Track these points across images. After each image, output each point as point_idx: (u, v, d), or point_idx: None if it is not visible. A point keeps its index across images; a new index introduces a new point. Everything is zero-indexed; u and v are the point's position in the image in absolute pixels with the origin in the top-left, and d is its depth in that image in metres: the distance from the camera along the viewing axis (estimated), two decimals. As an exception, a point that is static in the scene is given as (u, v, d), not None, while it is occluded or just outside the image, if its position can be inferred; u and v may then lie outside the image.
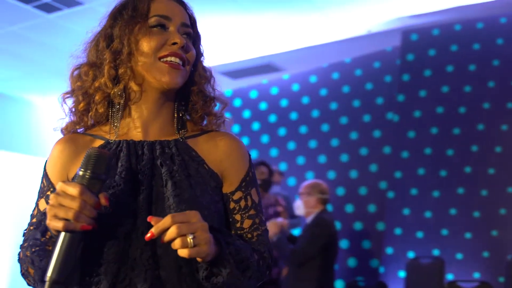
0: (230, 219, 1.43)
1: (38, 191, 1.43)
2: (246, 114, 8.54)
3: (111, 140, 1.41)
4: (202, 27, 1.54)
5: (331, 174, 7.48)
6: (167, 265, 1.30)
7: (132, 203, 1.32)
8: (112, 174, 1.32)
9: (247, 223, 1.43)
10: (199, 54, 1.50)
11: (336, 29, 6.71)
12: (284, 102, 8.20)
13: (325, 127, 7.72)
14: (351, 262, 7.11)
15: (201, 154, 1.43)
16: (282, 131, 8.10)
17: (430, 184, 6.60)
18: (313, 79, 7.99)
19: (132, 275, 1.29)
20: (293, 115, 8.06)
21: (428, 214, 6.54)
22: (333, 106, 7.72)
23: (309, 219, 4.92)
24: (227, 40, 6.97)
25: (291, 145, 7.96)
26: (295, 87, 8.13)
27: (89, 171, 1.19)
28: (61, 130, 1.49)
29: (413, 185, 6.69)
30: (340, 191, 7.36)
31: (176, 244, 1.18)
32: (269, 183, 5.15)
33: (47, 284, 1.15)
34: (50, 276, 1.15)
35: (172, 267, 1.30)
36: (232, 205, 1.43)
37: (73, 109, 1.47)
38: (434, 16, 6.65)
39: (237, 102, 8.65)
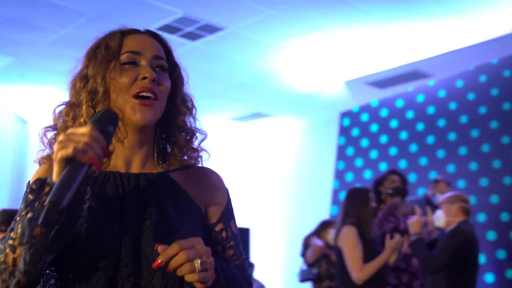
0: (213, 250, 1.39)
1: (19, 209, 1.36)
2: (394, 123, 8.44)
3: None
4: (346, 40, 1.45)
5: (484, 181, 7.16)
6: None
7: (119, 235, 1.34)
8: (99, 207, 1.36)
9: (228, 253, 1.48)
10: (177, 84, 1.53)
11: (480, 30, 6.47)
12: (431, 109, 8.00)
13: (474, 133, 7.42)
14: (509, 273, 6.74)
15: (185, 186, 1.46)
16: (430, 139, 7.90)
17: None
18: (459, 83, 7.72)
19: None
20: (441, 122, 7.83)
21: None
22: (482, 110, 7.40)
23: (448, 229, 4.77)
24: (372, 50, 6.99)
25: (441, 153, 7.73)
26: (442, 93, 7.90)
27: (97, 121, 1.24)
28: (39, 161, 1.49)
29: None
30: (494, 198, 7.02)
31: (184, 269, 1.20)
32: (401, 191, 5.05)
33: (46, 205, 1.11)
34: (50, 199, 1.11)
35: None
36: (214, 236, 1.47)
37: (54, 142, 1.46)
38: None
39: (384, 112, 8.58)
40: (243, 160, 11.14)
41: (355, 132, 8.95)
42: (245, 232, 6.42)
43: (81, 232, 1.32)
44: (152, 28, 6.42)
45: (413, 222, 4.56)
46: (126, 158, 1.46)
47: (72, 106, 1.45)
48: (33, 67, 7.63)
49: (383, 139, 8.52)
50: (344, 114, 9.17)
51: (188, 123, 1.53)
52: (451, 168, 7.55)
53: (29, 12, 6.04)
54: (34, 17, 6.14)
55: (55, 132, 1.48)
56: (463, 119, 7.59)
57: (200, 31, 6.46)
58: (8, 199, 8.76)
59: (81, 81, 1.45)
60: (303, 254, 6.08)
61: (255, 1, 5.77)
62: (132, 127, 1.43)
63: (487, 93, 7.39)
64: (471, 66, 7.55)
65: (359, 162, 8.77)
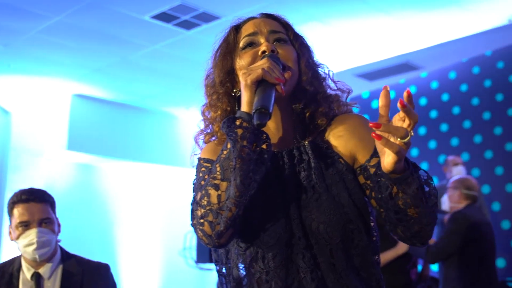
0: (376, 187, 1.36)
1: (196, 179, 1.49)
2: (385, 115, 8.41)
3: None
4: (335, 30, 1.57)
5: (475, 172, 7.21)
6: (323, 264, 1.37)
7: (285, 212, 1.39)
8: (263, 186, 1.39)
9: None
10: (303, 53, 1.54)
11: (474, 21, 6.48)
12: (423, 101, 8.03)
13: (467, 124, 7.46)
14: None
15: (332, 143, 1.49)
16: (422, 130, 7.93)
17: None
18: (452, 75, 7.75)
19: (299, 277, 1.36)
20: (433, 113, 7.86)
21: None
22: (475, 101, 7.43)
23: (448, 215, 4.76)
24: (362, 41, 6.97)
25: (432, 144, 7.77)
26: (434, 84, 7.93)
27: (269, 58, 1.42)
28: (201, 143, 1.61)
29: None
30: (485, 189, 7.07)
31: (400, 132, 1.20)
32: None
33: (257, 110, 1.24)
34: (258, 105, 1.25)
35: (327, 266, 1.37)
36: (372, 170, 1.41)
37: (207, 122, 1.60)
38: None
39: (375, 104, 8.58)
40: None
41: (345, 123, 8.92)
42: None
43: (253, 212, 1.38)
44: (147, 16, 6.23)
45: None
46: (277, 132, 1.51)
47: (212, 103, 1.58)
48: (22, 55, 7.42)
49: (376, 130, 8.49)
50: (334, 106, 9.13)
51: (326, 86, 1.57)
52: (442, 159, 7.58)
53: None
54: (25, 3, 5.93)
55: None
56: (456, 110, 7.62)
57: (196, 19, 6.35)
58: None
59: (211, 80, 1.59)
60: None
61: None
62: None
63: (480, 84, 7.42)
64: (464, 57, 7.58)
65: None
